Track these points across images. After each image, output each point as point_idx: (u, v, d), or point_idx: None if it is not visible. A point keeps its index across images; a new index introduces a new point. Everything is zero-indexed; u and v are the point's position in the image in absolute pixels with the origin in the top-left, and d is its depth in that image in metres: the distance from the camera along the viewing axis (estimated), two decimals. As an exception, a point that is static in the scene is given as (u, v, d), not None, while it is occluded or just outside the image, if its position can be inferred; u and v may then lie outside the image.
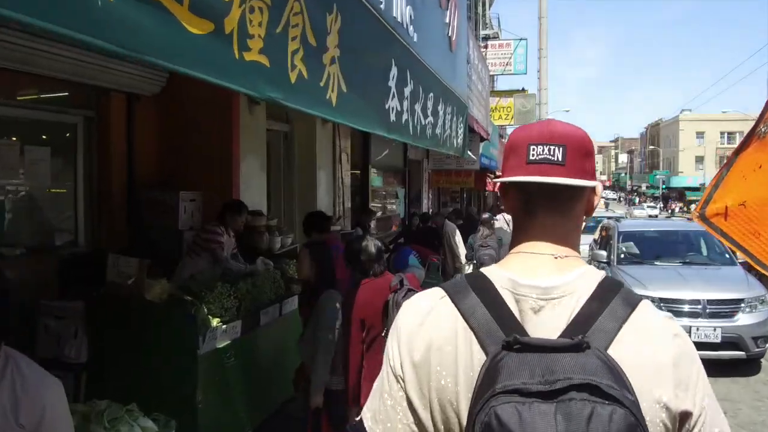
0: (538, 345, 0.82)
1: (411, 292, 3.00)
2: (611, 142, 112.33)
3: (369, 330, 3.12)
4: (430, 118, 4.49)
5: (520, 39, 19.10)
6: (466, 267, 8.73)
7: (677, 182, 61.86)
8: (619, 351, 0.85)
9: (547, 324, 0.89)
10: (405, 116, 3.67)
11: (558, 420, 0.75)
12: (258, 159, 5.73)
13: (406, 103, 3.66)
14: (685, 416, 0.87)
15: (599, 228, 10.09)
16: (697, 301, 6.25)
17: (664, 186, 60.60)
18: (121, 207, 4.90)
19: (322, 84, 2.35)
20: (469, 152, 13.64)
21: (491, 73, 19.37)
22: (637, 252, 7.81)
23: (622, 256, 7.59)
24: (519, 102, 12.14)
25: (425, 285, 7.53)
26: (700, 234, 8.15)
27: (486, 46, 19.11)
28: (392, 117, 3.40)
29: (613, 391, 0.76)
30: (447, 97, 5.25)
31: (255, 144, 5.65)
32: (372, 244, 3.31)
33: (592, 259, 8.09)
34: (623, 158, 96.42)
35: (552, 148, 0.95)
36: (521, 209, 1.01)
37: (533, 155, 0.95)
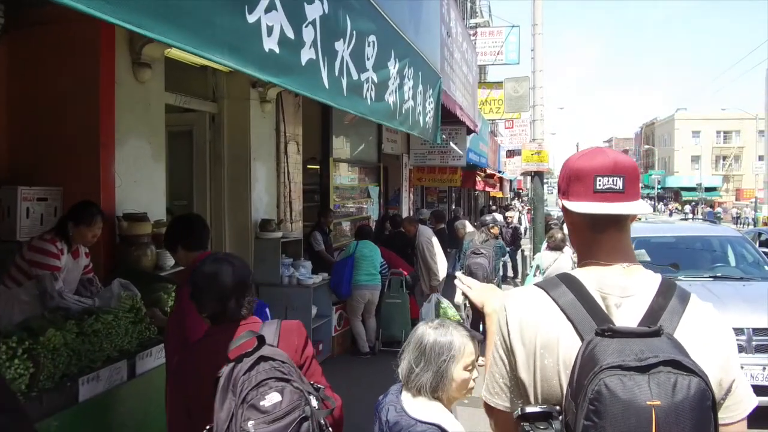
0: (626, 332, 1.09)
1: (266, 362, 1.61)
2: (605, 142, 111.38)
3: (196, 424, 1.68)
4: (371, 74, 2.98)
5: (513, 26, 17.66)
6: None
7: (673, 182, 60.70)
8: (681, 336, 1.13)
9: (627, 316, 1.17)
10: (308, 54, 2.16)
11: (651, 387, 1.01)
12: (149, 143, 4.20)
13: (310, 33, 2.15)
14: (728, 385, 1.18)
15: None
16: (739, 330, 4.77)
17: (659, 186, 59.39)
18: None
19: None
20: (454, 145, 12.16)
21: (481, 63, 17.93)
22: (648, 260, 6.33)
23: (637, 268, 6.11)
24: (510, 86, 10.68)
25: (387, 305, 5.97)
26: (727, 240, 6.68)
27: (475, 34, 17.65)
28: (271, 46, 1.89)
29: (690, 365, 1.04)
30: (406, 53, 3.76)
31: (143, 122, 4.13)
32: (228, 271, 1.84)
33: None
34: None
35: (615, 179, 1.22)
36: (589, 229, 1.28)
37: (600, 185, 1.23)
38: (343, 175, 8.73)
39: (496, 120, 17.49)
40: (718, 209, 45.32)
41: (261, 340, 1.67)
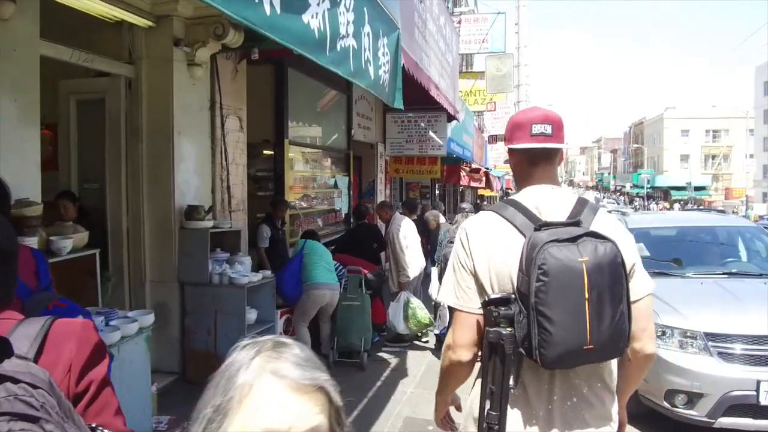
0: (556, 223, 1.52)
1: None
2: (594, 142, 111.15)
3: None
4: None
5: (498, 13, 16.80)
6: (434, 272, 6.16)
7: (662, 181, 60.25)
8: (594, 228, 1.54)
9: (555, 218, 1.57)
10: None
11: (580, 250, 1.42)
12: (14, 102, 3.23)
13: None
14: (630, 267, 1.55)
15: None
16: (765, 339, 3.88)
17: (649, 185, 58.94)
18: None
19: None
20: (433, 134, 11.24)
21: (466, 51, 17.05)
22: (648, 254, 5.45)
23: (637, 264, 5.20)
24: (492, 64, 9.81)
25: (344, 308, 5.00)
26: (737, 231, 5.80)
27: (459, 21, 16.77)
28: None
29: (605, 234, 1.48)
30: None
31: (3, 73, 3.16)
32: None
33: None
34: (606, 158, 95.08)
35: (545, 126, 1.66)
36: (527, 163, 1.69)
37: (535, 131, 1.66)
38: (304, 162, 7.77)
39: (484, 112, 16.62)
40: (708, 208, 44.81)
41: (2, 348, 0.78)
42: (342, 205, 8.89)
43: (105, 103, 4.71)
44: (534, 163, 1.68)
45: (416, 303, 6.12)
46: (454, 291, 1.60)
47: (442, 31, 8.51)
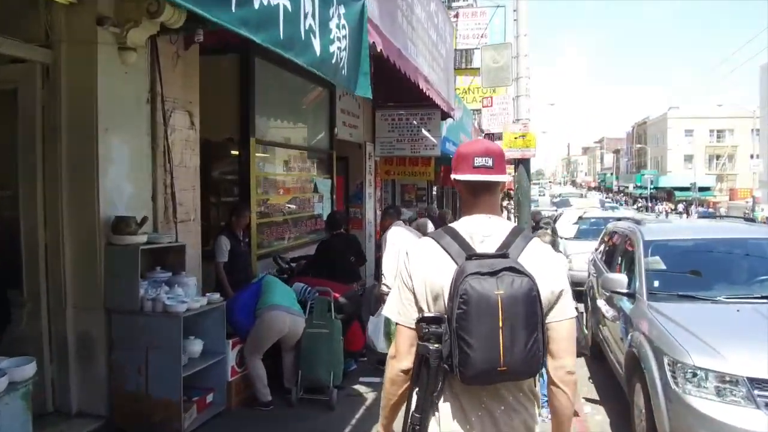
0: (484, 254, 1.67)
1: None
2: (596, 142, 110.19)
3: None
4: None
5: (497, 6, 16.00)
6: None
7: (666, 182, 59.31)
8: (524, 259, 1.68)
9: (487, 247, 1.72)
10: None
11: (498, 284, 1.57)
12: None
13: None
14: (558, 292, 1.72)
15: (604, 235, 6.88)
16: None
17: (652, 186, 58.01)
18: None
19: None
20: (427, 132, 10.43)
21: (465, 47, 16.26)
22: (664, 267, 4.70)
23: (657, 284, 4.38)
24: (489, 55, 8.97)
25: (310, 336, 4.15)
26: (770, 243, 4.98)
27: (457, 15, 15.98)
28: None
29: (522, 270, 1.61)
30: None
31: None
32: None
33: (602, 287, 4.89)
34: (609, 159, 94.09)
35: (486, 159, 1.77)
36: (470, 194, 1.82)
37: (477, 163, 1.77)
38: (277, 163, 6.96)
39: (481, 110, 15.79)
40: (711, 210, 43.95)
41: None
42: (324, 210, 8.07)
43: (17, 95, 3.93)
44: (475, 193, 1.81)
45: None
46: (397, 307, 1.78)
47: (433, 19, 7.70)
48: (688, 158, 59.74)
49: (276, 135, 6.77)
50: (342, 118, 8.60)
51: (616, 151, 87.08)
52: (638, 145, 69.21)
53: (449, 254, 1.69)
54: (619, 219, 7.04)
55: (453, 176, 1.80)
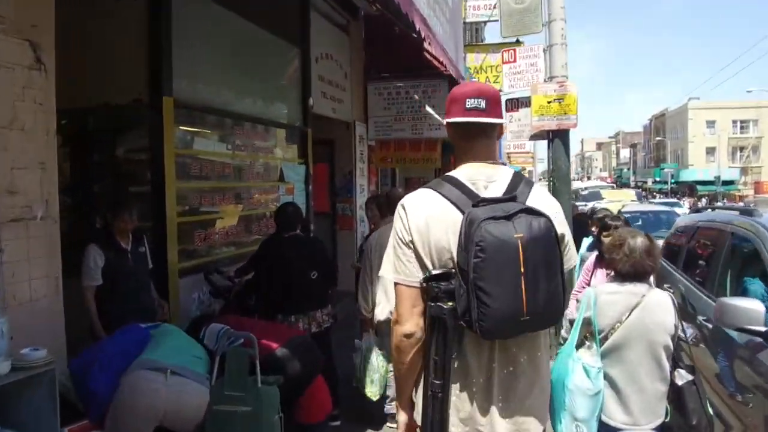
0: (492, 200, 1.56)
1: None
2: (611, 138, 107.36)
3: None
4: None
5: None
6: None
7: (687, 176, 56.68)
8: (530, 203, 1.59)
9: (492, 193, 1.62)
10: None
11: (516, 226, 1.48)
12: None
13: None
14: (562, 237, 1.62)
15: (676, 233, 4.83)
16: None
17: (673, 180, 55.45)
18: None
19: None
20: (430, 109, 8.51)
21: (475, 19, 14.27)
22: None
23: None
24: (509, -6, 6.95)
25: (217, 416, 2.42)
26: None
27: (465, -16, 13.98)
28: None
29: (539, 210, 1.54)
30: None
31: None
32: None
33: (721, 320, 2.86)
34: (625, 153, 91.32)
35: (479, 100, 1.65)
36: (463, 138, 1.72)
37: (469, 105, 1.66)
38: (212, 138, 5.04)
39: (503, 67, 13.60)
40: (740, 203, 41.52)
41: None
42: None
43: None
44: (469, 137, 1.71)
45: (378, 353, 3.61)
46: (394, 266, 1.64)
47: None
48: (710, 151, 57.22)
49: (213, 98, 4.84)
50: (321, 88, 6.68)
51: (633, 146, 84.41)
52: (657, 138, 66.73)
53: (452, 202, 1.60)
54: (706, 208, 4.97)
55: (445, 119, 1.74)
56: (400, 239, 1.62)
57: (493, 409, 1.58)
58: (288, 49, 6.06)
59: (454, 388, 1.58)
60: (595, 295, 2.53)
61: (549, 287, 1.50)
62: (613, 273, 2.66)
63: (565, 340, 2.68)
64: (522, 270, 1.45)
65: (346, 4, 7.35)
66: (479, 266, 1.45)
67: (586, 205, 15.62)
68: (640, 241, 2.57)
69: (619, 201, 14.58)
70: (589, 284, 4.15)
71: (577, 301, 3.22)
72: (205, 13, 4.62)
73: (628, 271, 2.50)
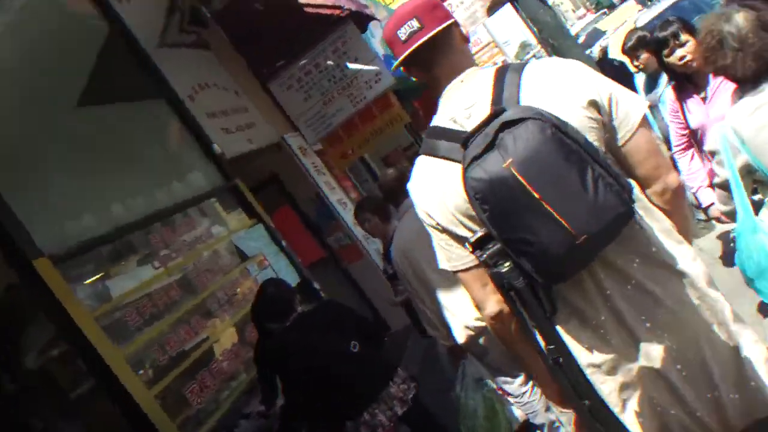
0: (474, 130, 1.25)
1: None
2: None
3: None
4: None
5: None
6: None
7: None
8: (528, 92, 1.30)
9: (478, 118, 1.28)
10: None
11: (501, 154, 1.18)
12: None
13: None
14: (606, 101, 1.29)
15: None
16: None
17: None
18: None
19: None
20: (354, 64, 6.67)
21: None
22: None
23: None
24: None
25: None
26: None
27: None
28: None
29: (517, 115, 1.20)
30: None
31: None
32: None
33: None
34: None
35: (410, 23, 1.35)
36: (425, 70, 1.42)
37: (404, 35, 1.36)
38: (129, 269, 3.37)
39: None
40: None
41: None
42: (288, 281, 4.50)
43: None
44: (427, 65, 1.42)
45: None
46: (443, 255, 1.43)
47: None
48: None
49: (98, 223, 3.24)
50: (218, 125, 4.95)
51: None
52: None
53: (445, 158, 1.36)
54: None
55: (395, 67, 1.48)
56: (429, 226, 1.43)
57: (641, 338, 1.29)
58: (150, 107, 4.40)
59: (578, 345, 1.31)
60: (734, 129, 1.78)
61: (587, 188, 1.16)
62: (735, 86, 1.89)
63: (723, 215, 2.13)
64: (537, 195, 1.16)
65: (190, 19, 5.68)
66: (491, 220, 1.22)
67: (591, 52, 10.30)
68: (739, 18, 1.76)
69: (623, 22, 11.52)
70: (687, 128, 2.88)
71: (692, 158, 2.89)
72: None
73: (757, 69, 1.74)
